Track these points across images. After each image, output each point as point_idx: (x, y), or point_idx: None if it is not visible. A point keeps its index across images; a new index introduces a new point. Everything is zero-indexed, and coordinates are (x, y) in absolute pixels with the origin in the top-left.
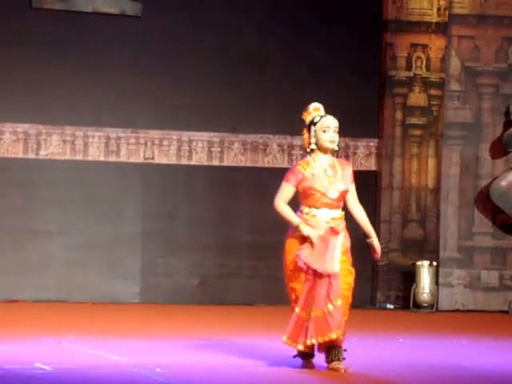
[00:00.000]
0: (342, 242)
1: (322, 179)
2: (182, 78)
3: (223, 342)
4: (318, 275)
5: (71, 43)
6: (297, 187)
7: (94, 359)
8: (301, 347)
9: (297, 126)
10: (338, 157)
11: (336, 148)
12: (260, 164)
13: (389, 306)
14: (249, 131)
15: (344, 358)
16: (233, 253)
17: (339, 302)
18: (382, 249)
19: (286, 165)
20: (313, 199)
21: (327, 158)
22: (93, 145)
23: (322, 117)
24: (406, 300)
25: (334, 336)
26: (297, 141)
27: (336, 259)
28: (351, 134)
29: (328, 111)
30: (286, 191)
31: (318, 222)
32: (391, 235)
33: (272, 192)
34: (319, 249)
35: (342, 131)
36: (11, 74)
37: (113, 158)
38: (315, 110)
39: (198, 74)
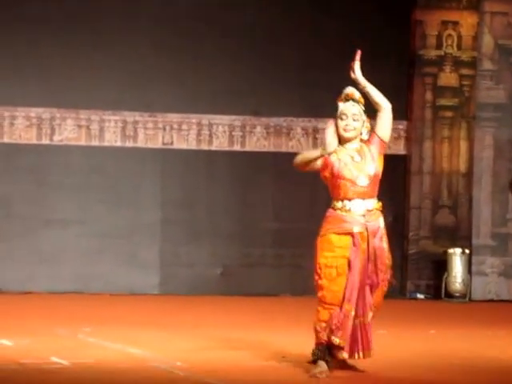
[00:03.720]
0: (384, 233)
1: (349, 166)
2: (202, 59)
3: (246, 335)
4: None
5: (86, 24)
6: (324, 170)
7: (112, 353)
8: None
9: (322, 108)
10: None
11: (357, 136)
12: (283, 149)
13: (419, 295)
14: (272, 114)
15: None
16: (256, 241)
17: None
18: (412, 236)
19: (310, 149)
20: (343, 189)
21: (354, 145)
22: (109, 129)
23: (344, 103)
24: (438, 290)
25: (366, 356)
26: (321, 124)
27: (388, 263)
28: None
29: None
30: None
31: (354, 216)
32: (421, 222)
33: (296, 178)
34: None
35: (370, 113)
36: (23, 56)
37: (130, 144)
38: (346, 95)
39: (219, 55)
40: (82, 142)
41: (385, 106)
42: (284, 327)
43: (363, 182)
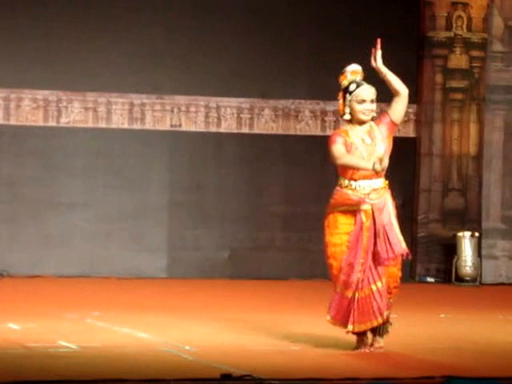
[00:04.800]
0: (392, 209)
1: (360, 149)
2: (210, 41)
3: (255, 319)
4: (366, 256)
5: (94, 6)
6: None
7: (119, 337)
8: (351, 327)
9: (330, 90)
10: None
11: (374, 115)
12: (292, 131)
13: (429, 279)
14: (280, 96)
15: (388, 331)
16: (265, 224)
17: (381, 283)
18: (422, 219)
19: (318, 132)
20: (351, 171)
21: (365, 126)
22: (116, 112)
23: (358, 85)
24: (448, 273)
25: (375, 324)
26: (330, 106)
27: (401, 238)
28: (388, 99)
29: (365, 74)
30: (339, 147)
31: (359, 194)
32: (431, 205)
33: (305, 161)
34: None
35: (378, 96)
36: (30, 38)
37: (137, 126)
38: (353, 73)
39: (227, 37)
40: (89, 125)
41: (404, 92)
42: (292, 311)
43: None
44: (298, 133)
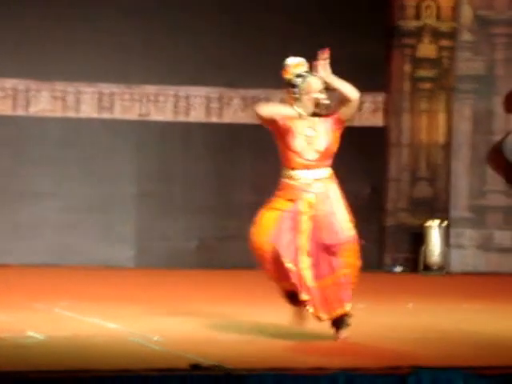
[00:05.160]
0: (337, 199)
1: (300, 139)
2: (179, 29)
3: (223, 309)
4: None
5: None
6: (278, 132)
7: (88, 327)
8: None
9: None
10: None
11: (327, 104)
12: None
13: (397, 268)
14: (249, 86)
15: (349, 324)
16: (233, 214)
17: (339, 273)
18: (390, 209)
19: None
20: (292, 160)
21: (312, 119)
22: (85, 101)
23: (304, 78)
24: (415, 262)
25: (347, 309)
26: None
27: (346, 226)
28: (357, 88)
29: (332, 63)
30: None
31: (301, 185)
32: (399, 194)
33: (273, 151)
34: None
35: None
36: None
37: (106, 115)
38: (295, 66)
39: (196, 24)
40: (58, 114)
41: (354, 98)
42: (260, 300)
43: (311, 156)
44: None
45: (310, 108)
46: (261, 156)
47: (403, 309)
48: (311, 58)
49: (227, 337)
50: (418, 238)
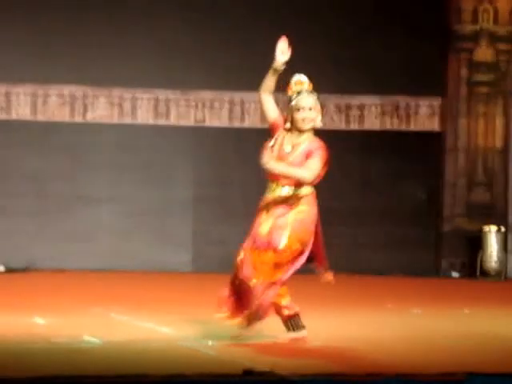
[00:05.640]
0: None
1: (274, 153)
2: (234, 36)
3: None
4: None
5: (119, 2)
6: (273, 124)
7: (143, 332)
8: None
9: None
10: (397, 117)
11: (312, 126)
12: None
13: (454, 274)
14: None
15: (303, 326)
16: None
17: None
18: (447, 214)
19: (343, 127)
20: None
21: (297, 136)
22: (141, 107)
23: (298, 95)
24: (473, 268)
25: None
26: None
27: (283, 239)
28: (413, 93)
29: (388, 69)
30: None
31: (269, 195)
32: (456, 199)
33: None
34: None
35: (403, 90)
36: (57, 34)
37: (162, 121)
38: (297, 84)
39: (252, 32)
40: (115, 120)
41: (307, 181)
42: (316, 306)
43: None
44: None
45: (300, 124)
46: None
47: (460, 314)
48: (367, 61)
49: (279, 343)
50: (475, 243)
